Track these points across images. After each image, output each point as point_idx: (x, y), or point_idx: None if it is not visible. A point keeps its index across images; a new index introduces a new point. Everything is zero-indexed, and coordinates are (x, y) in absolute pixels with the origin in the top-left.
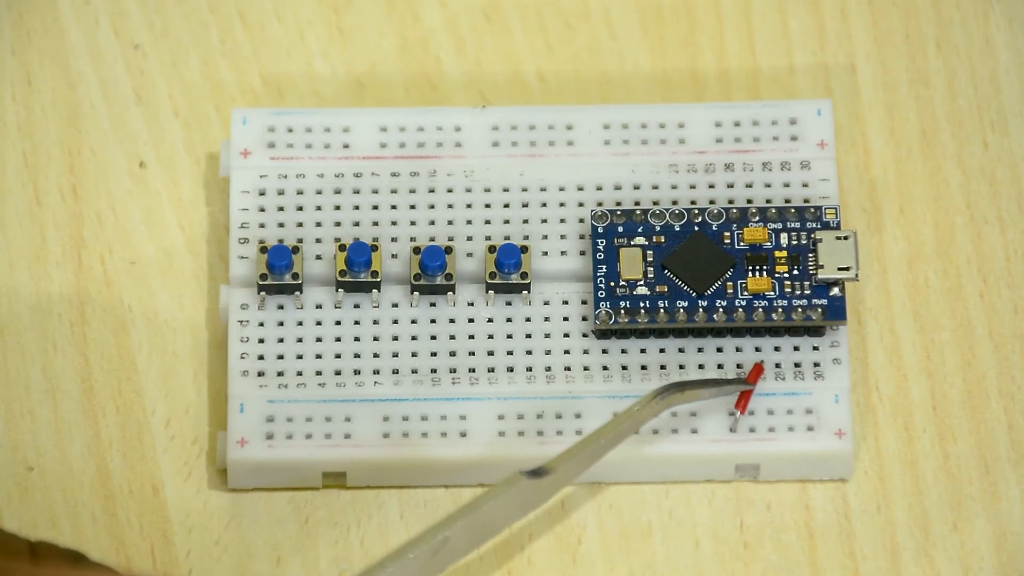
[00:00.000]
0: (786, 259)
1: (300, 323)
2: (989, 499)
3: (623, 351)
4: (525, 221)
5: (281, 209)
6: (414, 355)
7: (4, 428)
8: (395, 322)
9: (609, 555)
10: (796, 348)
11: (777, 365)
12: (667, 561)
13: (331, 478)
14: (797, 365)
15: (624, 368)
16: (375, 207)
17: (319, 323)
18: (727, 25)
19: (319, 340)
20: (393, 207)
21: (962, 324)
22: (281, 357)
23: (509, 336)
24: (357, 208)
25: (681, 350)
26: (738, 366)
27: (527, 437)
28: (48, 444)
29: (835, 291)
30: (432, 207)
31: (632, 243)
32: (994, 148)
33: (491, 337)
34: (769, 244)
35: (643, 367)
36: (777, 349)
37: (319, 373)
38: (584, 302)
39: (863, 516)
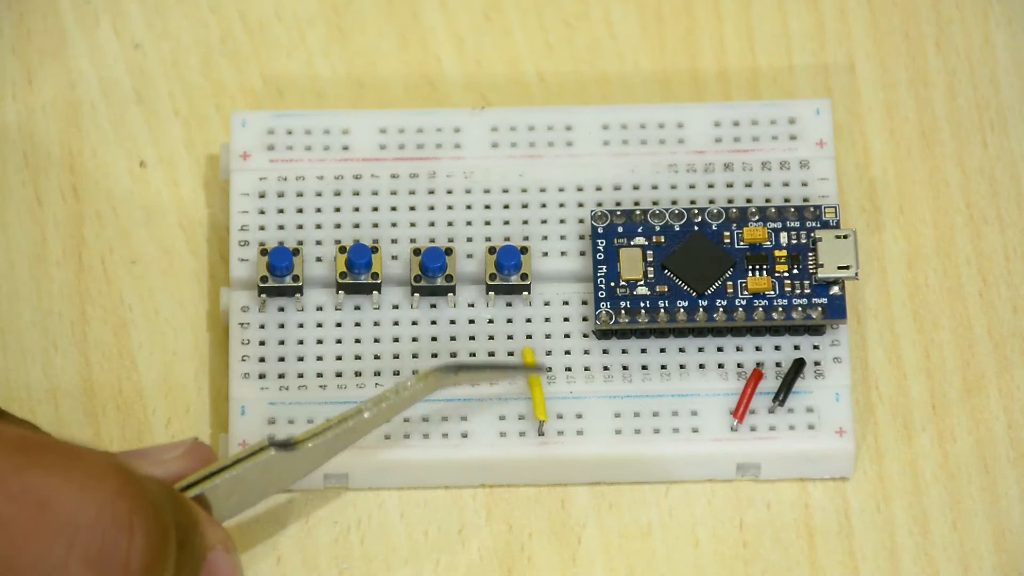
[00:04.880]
0: (786, 258)
1: (301, 325)
2: (989, 499)
3: (623, 351)
4: (525, 222)
5: (281, 211)
6: (415, 356)
7: None
8: (396, 324)
9: (609, 555)
10: (796, 347)
11: (777, 364)
12: (667, 560)
13: (333, 479)
14: None
15: (625, 368)
16: (375, 209)
17: (320, 325)
18: (727, 25)
19: (320, 342)
20: (393, 209)
21: (961, 323)
22: (282, 359)
23: (510, 337)
24: (357, 210)
25: (682, 350)
26: (739, 365)
27: (528, 438)
28: None
29: (835, 290)
30: (432, 208)
31: (632, 243)
32: (993, 148)
33: (492, 338)
34: (769, 243)
35: (644, 367)
36: (777, 348)
37: (320, 375)
38: (584, 302)
39: (863, 515)
